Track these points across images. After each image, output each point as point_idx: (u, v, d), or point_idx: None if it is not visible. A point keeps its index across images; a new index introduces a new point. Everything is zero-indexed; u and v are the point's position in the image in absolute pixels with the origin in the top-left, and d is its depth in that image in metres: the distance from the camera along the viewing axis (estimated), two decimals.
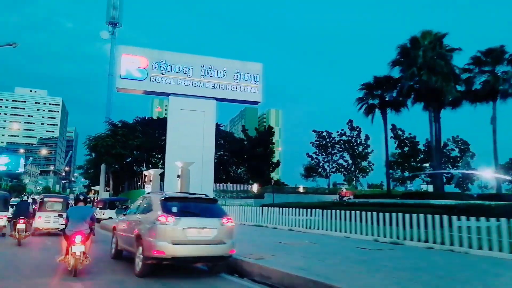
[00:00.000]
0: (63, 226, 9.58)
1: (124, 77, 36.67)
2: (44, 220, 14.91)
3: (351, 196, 35.23)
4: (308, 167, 45.75)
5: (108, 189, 43.39)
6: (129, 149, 37.56)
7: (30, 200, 19.34)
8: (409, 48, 26.72)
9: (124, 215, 9.57)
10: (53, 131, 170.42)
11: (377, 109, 31.14)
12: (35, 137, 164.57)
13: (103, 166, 41.43)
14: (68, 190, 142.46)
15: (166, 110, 63.01)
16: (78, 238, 6.98)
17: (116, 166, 41.46)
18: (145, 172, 37.48)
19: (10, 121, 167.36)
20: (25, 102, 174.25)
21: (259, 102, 41.03)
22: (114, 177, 40.60)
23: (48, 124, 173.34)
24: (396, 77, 29.29)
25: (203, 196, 8.34)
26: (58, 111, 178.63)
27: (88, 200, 24.13)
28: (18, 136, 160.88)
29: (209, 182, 38.00)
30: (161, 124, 45.86)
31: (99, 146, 36.33)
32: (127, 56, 37.08)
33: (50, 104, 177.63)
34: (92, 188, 46.29)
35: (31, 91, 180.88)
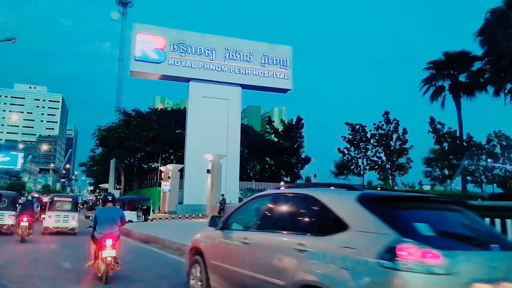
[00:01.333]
0: (74, 225, 12.58)
1: (139, 59, 32.39)
2: (54, 219, 15.11)
3: None
4: (340, 164, 41.33)
5: (118, 187, 38.99)
6: (143, 141, 33.10)
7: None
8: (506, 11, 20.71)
9: (225, 228, 4.94)
10: (52, 129, 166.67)
11: (446, 93, 26.53)
12: (35, 135, 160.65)
13: (112, 161, 37.06)
14: (68, 189, 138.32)
15: (168, 107, 58.13)
16: (109, 242, 6.31)
17: (128, 161, 37.03)
18: (162, 168, 33.16)
19: (9, 118, 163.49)
20: (24, 98, 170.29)
21: (289, 90, 36.74)
22: (125, 174, 36.13)
23: (47, 121, 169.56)
24: (471, 54, 24.69)
25: (452, 200, 3.80)
26: (58, 108, 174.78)
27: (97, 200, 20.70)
28: (17, 133, 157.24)
29: (234, 180, 33.67)
30: (176, 116, 41.48)
31: (110, 138, 31.94)
32: (142, 35, 32.83)
33: (50, 101, 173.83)
34: (100, 186, 41.87)
35: (30, 87, 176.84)
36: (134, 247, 12.42)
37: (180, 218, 23.77)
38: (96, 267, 6.64)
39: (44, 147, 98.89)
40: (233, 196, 31.82)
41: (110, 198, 7.20)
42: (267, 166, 44.86)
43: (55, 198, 16.25)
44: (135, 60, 32.48)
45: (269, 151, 42.26)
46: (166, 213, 31.55)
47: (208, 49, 34.47)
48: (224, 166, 33.72)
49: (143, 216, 22.04)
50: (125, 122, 33.60)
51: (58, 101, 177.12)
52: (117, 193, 36.94)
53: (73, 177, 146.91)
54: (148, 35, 33.02)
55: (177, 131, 41.81)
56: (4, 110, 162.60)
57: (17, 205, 14.98)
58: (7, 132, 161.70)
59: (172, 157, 42.98)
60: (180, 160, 39.46)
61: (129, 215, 21.26)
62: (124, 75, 39.40)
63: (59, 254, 10.49)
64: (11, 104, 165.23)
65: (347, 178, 43.10)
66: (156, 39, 33.12)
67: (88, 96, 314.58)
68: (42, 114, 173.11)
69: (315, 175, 31.78)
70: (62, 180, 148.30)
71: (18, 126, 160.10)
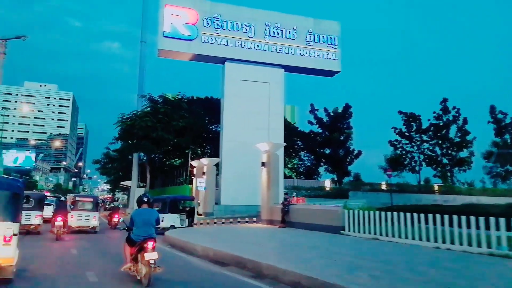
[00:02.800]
0: (95, 224, 15.84)
1: (168, 35, 28.02)
2: (76, 218, 15.70)
3: None
4: (393, 159, 36.38)
5: (143, 184, 34.63)
6: (172, 132, 28.60)
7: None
8: None
9: None
10: (63, 127, 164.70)
11: None
12: (46, 133, 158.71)
13: (135, 156, 32.63)
14: (80, 187, 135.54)
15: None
16: (150, 244, 6.24)
17: (154, 155, 32.56)
18: (194, 163, 28.71)
19: (19, 109, 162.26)
20: (34, 96, 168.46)
21: (338, 72, 32.01)
22: (151, 169, 31.67)
23: (58, 120, 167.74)
24: None
25: None
26: (68, 106, 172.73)
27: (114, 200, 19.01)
28: (28, 131, 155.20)
29: (279, 176, 28.83)
30: (206, 104, 36.89)
31: (136, 127, 27.43)
32: (171, 8, 28.50)
33: (60, 99, 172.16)
34: (121, 183, 37.56)
35: (40, 85, 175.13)
36: (204, 272, 8.32)
37: (230, 222, 19.29)
38: (133, 270, 6.58)
39: (56, 144, 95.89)
40: (275, 196, 27.31)
41: (145, 199, 7.02)
42: (309, 161, 39.95)
43: (77, 198, 16.79)
44: (164, 36, 28.09)
45: (311, 144, 37.40)
46: (200, 215, 27.13)
47: (246, 25, 29.96)
48: None
49: (187, 220, 17.46)
50: (153, 110, 29.09)
51: (69, 99, 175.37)
52: (141, 192, 32.52)
53: (84, 175, 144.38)
54: (178, 8, 28.63)
55: (206, 120, 37.28)
56: (15, 108, 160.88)
57: (44, 205, 15.69)
58: (18, 131, 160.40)
59: (205, 151, 38.29)
60: (212, 154, 34.94)
61: (171, 219, 16.80)
62: (147, 58, 35.01)
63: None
64: (21, 102, 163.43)
65: (400, 175, 38.08)
66: (187, 12, 28.69)
67: (97, 96, 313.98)
68: (53, 112, 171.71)
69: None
70: (73, 179, 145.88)
71: (29, 124, 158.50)
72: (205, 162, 28.02)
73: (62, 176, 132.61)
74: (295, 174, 39.38)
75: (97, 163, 71.71)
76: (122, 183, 36.65)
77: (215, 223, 18.87)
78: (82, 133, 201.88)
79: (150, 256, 6.17)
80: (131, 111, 30.23)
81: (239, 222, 19.29)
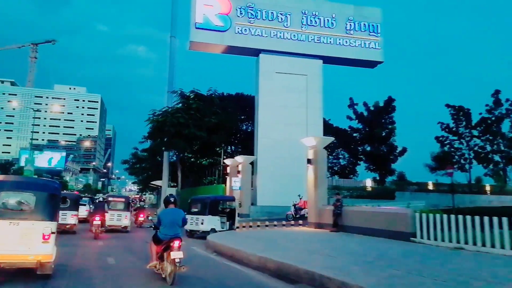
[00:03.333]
0: (126, 223, 16.17)
1: (201, 27, 26.55)
2: (109, 218, 15.90)
3: None
4: (440, 156, 33.44)
5: (174, 184, 33.38)
6: (204, 129, 27.08)
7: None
8: None
9: None
10: (92, 129, 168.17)
11: None
12: (75, 134, 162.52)
13: (166, 154, 31.38)
14: (109, 188, 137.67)
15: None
16: (177, 243, 6.38)
17: (186, 153, 31.17)
18: (228, 161, 27.13)
19: (50, 119, 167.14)
20: (64, 99, 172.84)
21: (380, 62, 29.61)
22: (182, 168, 30.30)
23: (87, 122, 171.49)
24: None
25: None
26: (97, 108, 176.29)
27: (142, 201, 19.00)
28: (58, 133, 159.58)
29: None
30: (238, 102, 35.27)
31: (167, 124, 26.10)
32: None
33: (89, 101, 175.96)
34: (151, 183, 36.55)
35: (70, 88, 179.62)
36: None
37: (275, 225, 17.42)
38: (158, 268, 6.77)
39: (86, 144, 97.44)
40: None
41: (172, 199, 7.23)
42: (344, 160, 37.63)
43: (110, 198, 17.12)
44: (196, 28, 26.66)
45: (347, 141, 35.08)
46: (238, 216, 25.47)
47: (281, 14, 28.19)
48: (304, 159, 27.10)
49: (227, 222, 15.78)
50: (184, 106, 27.69)
51: (97, 101, 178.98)
52: (172, 192, 31.24)
53: (113, 176, 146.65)
54: None
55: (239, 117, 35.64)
56: (46, 111, 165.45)
57: (79, 205, 16.25)
58: (49, 133, 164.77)
59: (235, 149, 36.66)
60: (242, 153, 33.24)
61: (211, 221, 15.16)
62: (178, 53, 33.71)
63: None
64: (52, 105, 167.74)
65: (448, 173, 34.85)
66: (220, 1, 27.32)
67: (124, 98, 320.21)
68: (82, 114, 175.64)
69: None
70: (102, 179, 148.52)
71: (59, 126, 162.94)
72: (240, 160, 26.35)
73: (91, 176, 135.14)
74: (329, 173, 37.11)
75: (125, 163, 71.74)
76: (152, 182, 35.59)
77: (258, 226, 17.09)
78: (110, 135, 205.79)
79: (176, 255, 6.28)
80: (162, 108, 28.98)
81: (284, 225, 17.42)
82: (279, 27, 28.02)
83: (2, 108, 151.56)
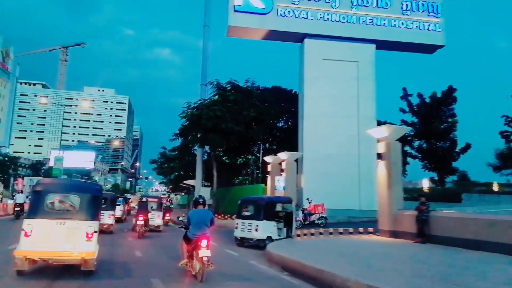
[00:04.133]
0: (159, 223, 16.58)
1: (240, 9, 23.89)
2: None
3: None
4: (505, 154, 29.27)
5: (207, 183, 30.90)
6: (242, 123, 24.40)
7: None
8: None
9: None
10: (120, 129, 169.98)
11: None
12: (104, 135, 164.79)
13: (199, 152, 28.94)
14: (137, 187, 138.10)
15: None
16: (204, 242, 6.69)
17: (221, 149, 28.61)
18: (268, 158, 24.38)
19: (80, 120, 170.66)
20: (93, 101, 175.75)
21: (441, 46, 25.95)
22: (217, 166, 27.69)
23: (115, 123, 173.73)
24: None
25: None
26: (125, 110, 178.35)
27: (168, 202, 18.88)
28: (87, 134, 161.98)
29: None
30: (277, 95, 32.39)
31: (203, 118, 23.56)
32: None
33: (117, 102, 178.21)
34: (184, 182, 34.25)
35: (99, 90, 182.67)
36: None
37: (340, 233, 14.29)
38: (189, 266, 7.02)
39: (115, 143, 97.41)
40: (372, 197, 22.20)
41: (201, 200, 7.45)
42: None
43: (143, 199, 16.88)
44: (235, 11, 23.98)
45: (402, 136, 31.27)
46: None
47: None
48: (357, 153, 23.93)
49: (284, 229, 12.94)
50: (222, 98, 25.09)
51: (125, 103, 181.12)
52: (207, 192, 28.78)
53: (140, 176, 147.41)
54: None
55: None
56: (76, 112, 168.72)
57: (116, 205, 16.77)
58: (79, 134, 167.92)
59: (273, 147, 33.78)
60: (278, 150, 30.38)
61: (267, 227, 12.42)
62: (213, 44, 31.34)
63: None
64: (82, 106, 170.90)
65: None
66: None
67: (149, 100, 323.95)
68: (110, 115, 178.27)
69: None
70: (129, 179, 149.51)
71: (88, 127, 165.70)
72: (284, 156, 23.42)
73: (119, 176, 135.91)
74: None
75: (153, 162, 70.43)
76: (185, 182, 33.26)
77: (321, 233, 14.15)
78: (137, 136, 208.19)
79: (204, 253, 6.56)
80: (197, 100, 26.55)
81: (351, 233, 14.33)
82: (326, 8, 24.97)
83: (34, 109, 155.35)
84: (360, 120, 24.40)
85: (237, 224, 12.99)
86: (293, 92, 35.02)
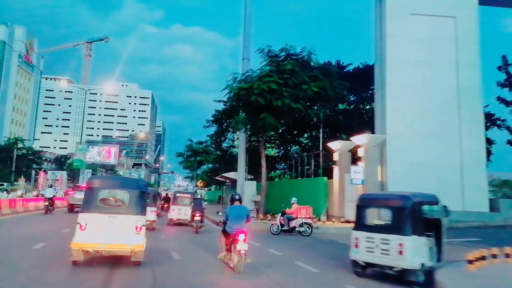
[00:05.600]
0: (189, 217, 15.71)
1: None
2: (177, 212, 16.64)
3: None
4: None
5: (250, 177, 25.58)
6: (301, 100, 18.76)
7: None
8: None
9: None
10: (143, 124, 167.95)
11: None
12: (127, 130, 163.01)
13: (242, 138, 23.63)
14: (159, 182, 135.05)
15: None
16: (242, 237, 6.91)
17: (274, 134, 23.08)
18: (332, 144, 18.63)
19: (105, 115, 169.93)
20: (117, 96, 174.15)
21: None
22: (254, 156, 22.18)
23: (139, 118, 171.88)
24: None
25: None
26: (148, 104, 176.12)
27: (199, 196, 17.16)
28: (111, 129, 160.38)
29: (478, 163, 17.60)
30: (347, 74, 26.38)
31: (254, 92, 18.04)
32: None
33: (140, 97, 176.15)
34: (223, 175, 28.87)
35: (122, 85, 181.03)
36: None
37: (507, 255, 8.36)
38: (227, 258, 7.35)
39: (141, 135, 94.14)
40: (478, 195, 16.23)
41: (237, 197, 7.74)
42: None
43: (177, 194, 17.88)
44: None
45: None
46: (345, 222, 17.16)
47: None
48: (457, 133, 17.91)
49: (435, 247, 7.17)
50: (277, 68, 19.44)
51: (148, 97, 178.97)
52: (252, 187, 23.39)
53: (165, 171, 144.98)
54: None
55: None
56: (100, 108, 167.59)
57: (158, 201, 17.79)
58: (104, 129, 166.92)
59: (327, 134, 27.79)
60: (335, 138, 24.47)
61: (417, 247, 6.48)
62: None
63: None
64: (106, 101, 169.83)
65: None
66: None
67: (171, 97, 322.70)
68: (134, 110, 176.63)
69: None
70: (153, 174, 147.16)
71: (112, 122, 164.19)
72: (362, 140, 17.67)
73: (143, 171, 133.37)
74: None
75: (180, 156, 66.09)
76: (224, 175, 27.78)
77: (494, 256, 8.46)
78: (159, 131, 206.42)
79: (241, 247, 6.80)
80: (245, 72, 21.03)
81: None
82: None
83: (59, 104, 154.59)
84: (460, 93, 18.32)
85: (357, 239, 7.55)
86: (348, 68, 29.12)
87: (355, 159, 18.97)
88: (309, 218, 14.19)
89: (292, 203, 14.47)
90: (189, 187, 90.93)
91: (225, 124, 32.48)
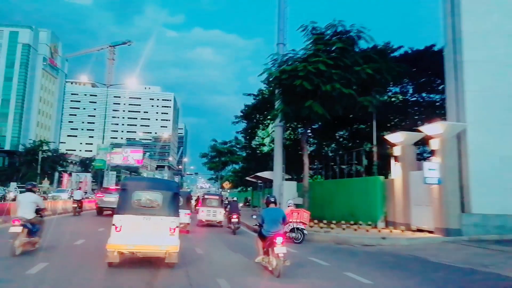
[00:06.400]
0: (221, 218, 17.10)
1: None
2: (206, 213, 17.14)
3: None
4: None
5: (288, 176, 22.43)
6: (354, 83, 15.48)
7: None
8: None
9: None
10: (166, 127, 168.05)
11: None
12: (150, 133, 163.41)
13: (279, 130, 20.55)
14: (182, 184, 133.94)
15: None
16: (279, 239, 6.80)
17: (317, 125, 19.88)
18: (393, 137, 15.34)
19: (129, 118, 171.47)
20: (140, 98, 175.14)
21: None
22: (292, 154, 19.02)
23: (161, 120, 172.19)
24: None
25: None
26: (170, 107, 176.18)
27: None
28: (135, 131, 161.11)
29: None
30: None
31: (299, 75, 14.91)
32: None
33: (163, 99, 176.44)
34: (256, 175, 25.62)
35: (145, 87, 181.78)
36: None
37: None
38: (265, 262, 7.20)
39: (165, 136, 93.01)
40: None
41: (272, 200, 7.64)
42: None
43: (206, 196, 18.12)
44: None
45: None
46: (417, 231, 13.70)
47: None
48: None
49: None
50: (325, 46, 16.20)
51: (170, 100, 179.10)
52: (292, 188, 20.24)
53: (188, 173, 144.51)
54: None
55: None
56: (124, 111, 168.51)
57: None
58: (127, 131, 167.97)
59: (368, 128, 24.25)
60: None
61: None
62: None
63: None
64: (129, 104, 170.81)
65: None
66: None
67: (192, 100, 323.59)
68: (157, 113, 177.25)
69: None
70: (175, 176, 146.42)
71: (136, 125, 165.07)
72: (437, 130, 14.14)
73: (166, 173, 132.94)
74: None
75: (204, 156, 63.81)
76: (258, 174, 24.43)
77: None
78: (182, 133, 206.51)
79: (280, 250, 6.72)
80: (286, 53, 17.91)
81: None
82: None
83: (84, 108, 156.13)
84: None
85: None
86: (398, 52, 25.52)
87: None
88: (302, 223, 12.70)
89: (288, 206, 13.29)
90: (211, 189, 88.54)
91: (255, 120, 29.48)
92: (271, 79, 16.88)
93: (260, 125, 31.09)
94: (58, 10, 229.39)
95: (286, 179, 22.46)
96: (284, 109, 16.71)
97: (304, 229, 12.65)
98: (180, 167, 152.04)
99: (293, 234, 12.39)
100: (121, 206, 6.81)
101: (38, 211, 8.32)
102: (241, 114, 30.58)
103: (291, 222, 12.31)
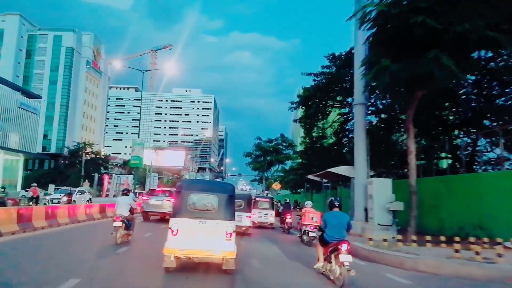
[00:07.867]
0: (272, 220, 17.31)
1: None
2: (258, 215, 17.29)
3: None
4: None
5: (372, 173, 16.55)
6: (501, 23, 9.13)
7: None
8: None
9: None
10: (207, 129, 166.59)
11: None
12: (191, 135, 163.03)
13: (360, 109, 14.81)
14: None
15: None
16: (345, 246, 6.24)
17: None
18: None
19: (170, 121, 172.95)
20: (181, 101, 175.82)
21: None
22: (372, 139, 12.96)
23: (202, 122, 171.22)
24: None
25: None
26: (210, 109, 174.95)
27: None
28: (176, 134, 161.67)
29: None
30: None
31: (420, 6, 8.99)
32: None
33: (203, 102, 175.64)
34: (329, 170, 19.56)
35: (186, 90, 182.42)
36: None
37: None
38: (325, 269, 6.73)
39: (207, 135, 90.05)
40: None
41: (337, 203, 7.06)
42: None
43: (257, 199, 18.19)
44: None
45: None
46: None
47: None
48: None
49: None
50: None
51: (211, 102, 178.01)
52: (387, 187, 14.26)
53: (229, 175, 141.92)
54: None
55: None
56: (166, 114, 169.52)
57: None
58: (169, 134, 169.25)
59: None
60: None
61: None
62: None
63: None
64: (171, 107, 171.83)
65: None
66: None
67: (231, 103, 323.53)
68: (197, 115, 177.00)
69: None
70: (217, 178, 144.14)
71: (177, 128, 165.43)
72: None
73: (208, 175, 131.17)
74: None
75: (248, 156, 59.22)
76: (332, 170, 17.90)
77: None
78: (222, 135, 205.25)
79: (345, 258, 6.14)
80: None
81: None
82: None
83: (128, 112, 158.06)
84: None
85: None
86: None
87: None
88: (313, 226, 11.69)
89: (306, 206, 12.57)
90: (252, 191, 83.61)
91: (318, 103, 23.58)
92: (371, 17, 10.87)
93: (319, 114, 25.20)
94: (99, 17, 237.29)
95: (376, 174, 16.37)
96: (388, 67, 10.74)
97: (308, 232, 11.66)
98: (221, 168, 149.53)
99: (305, 237, 11.85)
100: (176, 209, 6.61)
101: (131, 210, 9.94)
102: (298, 99, 24.91)
103: (304, 224, 11.89)
